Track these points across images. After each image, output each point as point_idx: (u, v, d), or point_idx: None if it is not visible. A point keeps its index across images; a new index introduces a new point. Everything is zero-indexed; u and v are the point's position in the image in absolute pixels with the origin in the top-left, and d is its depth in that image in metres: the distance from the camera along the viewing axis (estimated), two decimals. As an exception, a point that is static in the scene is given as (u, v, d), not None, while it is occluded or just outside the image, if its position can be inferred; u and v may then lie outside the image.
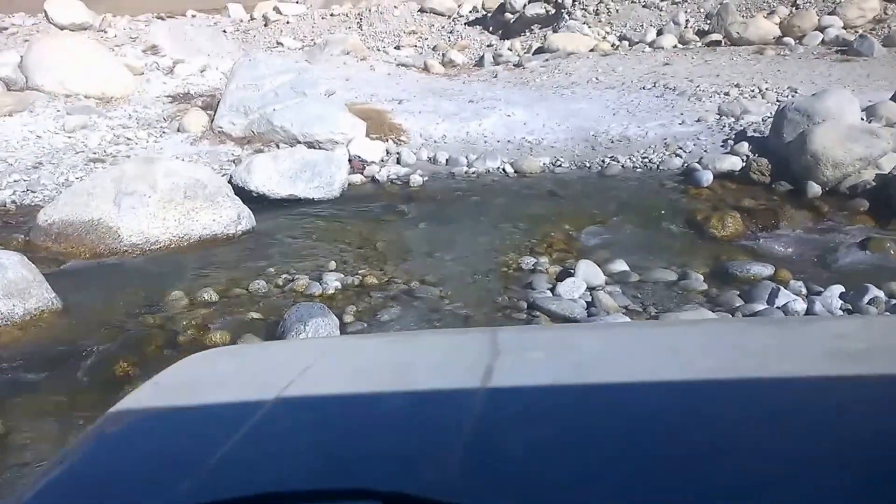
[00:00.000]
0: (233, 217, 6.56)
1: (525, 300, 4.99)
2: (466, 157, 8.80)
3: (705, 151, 8.31)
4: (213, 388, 1.33)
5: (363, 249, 6.17)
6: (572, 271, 5.29)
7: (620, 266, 5.52)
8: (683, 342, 1.36)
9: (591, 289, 5.09)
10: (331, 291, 5.26)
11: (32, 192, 7.75)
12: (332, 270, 5.65)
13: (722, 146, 8.41)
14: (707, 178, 7.50)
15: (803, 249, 5.98)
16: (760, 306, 4.69)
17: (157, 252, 6.16)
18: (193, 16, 21.37)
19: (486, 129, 9.65)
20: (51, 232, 6.22)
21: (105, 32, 18.61)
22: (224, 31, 20.10)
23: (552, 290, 5.09)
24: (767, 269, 5.36)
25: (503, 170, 8.49)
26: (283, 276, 5.57)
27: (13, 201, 7.55)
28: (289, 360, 1.43)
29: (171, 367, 1.44)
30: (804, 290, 4.99)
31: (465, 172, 8.48)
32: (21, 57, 11.99)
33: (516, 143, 9.24)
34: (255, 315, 4.89)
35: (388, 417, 1.10)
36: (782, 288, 4.84)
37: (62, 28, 17.90)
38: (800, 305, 4.61)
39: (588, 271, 5.24)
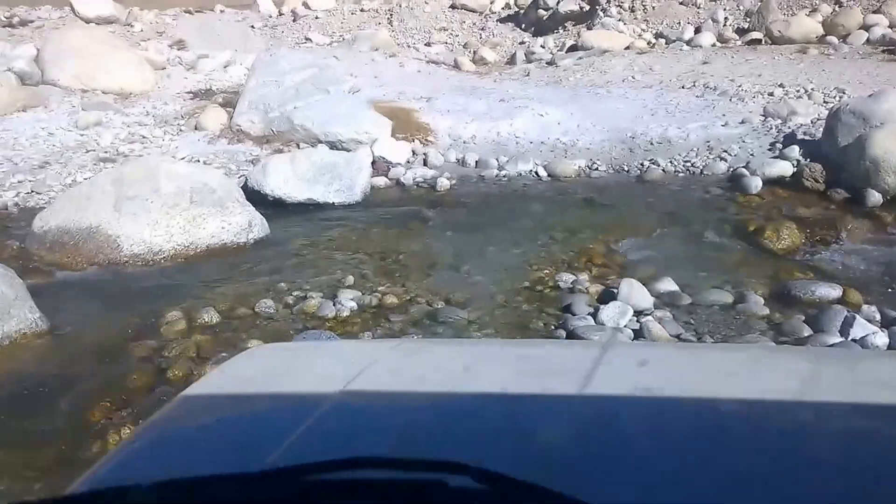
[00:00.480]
0: (243, 224, 6.07)
1: (563, 327, 4.42)
2: (497, 159, 8.39)
3: (752, 155, 7.84)
4: (280, 378, 1.39)
5: (384, 262, 5.67)
6: (615, 290, 4.71)
7: (669, 285, 4.93)
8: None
9: (637, 313, 4.49)
10: (345, 313, 4.72)
11: (38, 193, 7.34)
12: (348, 286, 5.13)
13: (769, 150, 7.93)
14: (756, 184, 7.08)
15: (868, 266, 5.45)
16: (833, 338, 4.06)
17: (159, 262, 5.67)
18: (222, 11, 21.17)
19: (518, 129, 9.15)
20: (46, 240, 5.70)
21: (131, 26, 18.39)
22: (252, 27, 19.89)
23: (594, 314, 4.47)
24: (835, 291, 4.75)
25: (536, 173, 8.07)
26: (295, 292, 5.05)
27: (16, 204, 7.12)
28: (359, 356, 1.50)
29: (236, 357, 1.54)
30: (878, 317, 4.38)
31: (496, 175, 8.11)
32: (37, 50, 11.66)
33: (550, 144, 8.75)
34: (256, 344, 4.27)
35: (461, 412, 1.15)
36: (857, 316, 4.21)
37: (88, 21, 17.62)
38: (880, 339, 3.96)
39: (633, 292, 4.61)
